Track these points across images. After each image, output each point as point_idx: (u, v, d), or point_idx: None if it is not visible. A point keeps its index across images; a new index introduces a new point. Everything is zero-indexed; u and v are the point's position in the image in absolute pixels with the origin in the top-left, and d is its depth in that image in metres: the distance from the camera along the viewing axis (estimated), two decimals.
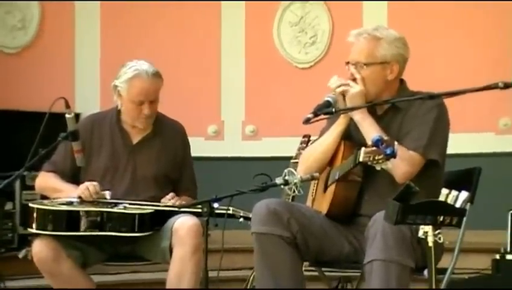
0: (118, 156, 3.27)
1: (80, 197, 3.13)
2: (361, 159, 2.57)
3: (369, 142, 2.57)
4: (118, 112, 3.31)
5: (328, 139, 2.91)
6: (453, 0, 5.07)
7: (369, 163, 2.55)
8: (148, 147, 3.29)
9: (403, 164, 2.72)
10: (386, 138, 2.55)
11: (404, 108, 2.85)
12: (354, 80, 2.85)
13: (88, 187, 3.13)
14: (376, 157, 2.52)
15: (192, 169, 3.39)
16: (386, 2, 5.22)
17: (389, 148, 2.50)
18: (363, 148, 2.57)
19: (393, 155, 2.50)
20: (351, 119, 2.87)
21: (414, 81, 2.95)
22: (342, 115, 2.88)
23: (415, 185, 2.45)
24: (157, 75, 3.23)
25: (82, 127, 3.16)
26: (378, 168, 2.56)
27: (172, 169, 3.31)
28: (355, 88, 2.83)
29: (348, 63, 2.90)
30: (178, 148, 3.34)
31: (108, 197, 3.15)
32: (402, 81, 2.94)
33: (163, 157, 3.29)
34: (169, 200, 3.17)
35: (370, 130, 2.77)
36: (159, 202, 3.17)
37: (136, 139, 3.30)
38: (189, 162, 3.38)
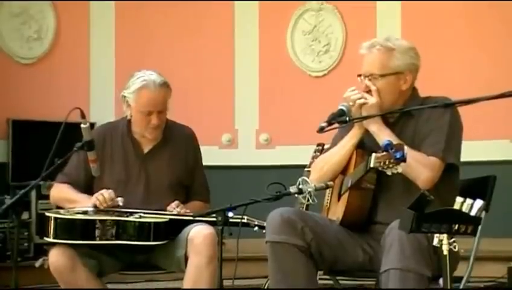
0: (130, 166, 3.28)
1: (95, 206, 3.14)
2: (372, 165, 2.58)
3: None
4: (129, 122, 3.32)
5: (341, 150, 2.91)
6: (466, 10, 5.06)
7: (379, 168, 2.56)
8: (159, 156, 3.29)
9: (425, 170, 2.73)
10: (395, 142, 2.55)
11: (416, 114, 2.86)
12: (369, 91, 2.86)
13: (103, 193, 3.14)
14: (386, 162, 2.53)
15: (203, 173, 3.38)
16: (400, 10, 5.22)
17: (399, 152, 2.51)
18: (373, 154, 2.58)
19: (403, 159, 2.51)
20: (365, 131, 2.87)
21: (428, 90, 2.95)
22: (356, 126, 2.89)
23: (433, 190, 2.43)
24: (164, 85, 3.22)
25: (94, 138, 3.17)
26: (389, 173, 2.57)
27: (185, 175, 3.31)
28: (372, 100, 2.84)
29: (360, 75, 2.90)
30: (189, 153, 3.34)
31: (120, 203, 3.16)
32: (414, 89, 2.94)
33: (175, 164, 3.30)
34: (174, 209, 3.17)
35: None
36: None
37: (147, 148, 3.31)
38: (200, 166, 3.37)
